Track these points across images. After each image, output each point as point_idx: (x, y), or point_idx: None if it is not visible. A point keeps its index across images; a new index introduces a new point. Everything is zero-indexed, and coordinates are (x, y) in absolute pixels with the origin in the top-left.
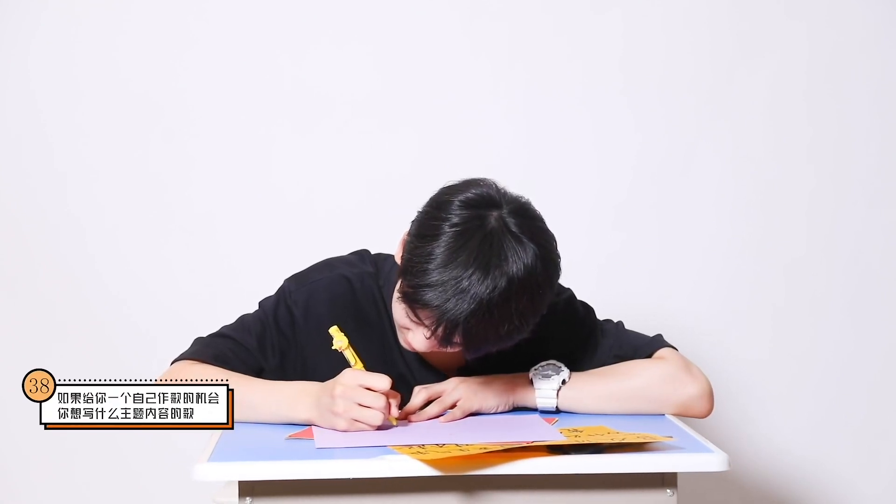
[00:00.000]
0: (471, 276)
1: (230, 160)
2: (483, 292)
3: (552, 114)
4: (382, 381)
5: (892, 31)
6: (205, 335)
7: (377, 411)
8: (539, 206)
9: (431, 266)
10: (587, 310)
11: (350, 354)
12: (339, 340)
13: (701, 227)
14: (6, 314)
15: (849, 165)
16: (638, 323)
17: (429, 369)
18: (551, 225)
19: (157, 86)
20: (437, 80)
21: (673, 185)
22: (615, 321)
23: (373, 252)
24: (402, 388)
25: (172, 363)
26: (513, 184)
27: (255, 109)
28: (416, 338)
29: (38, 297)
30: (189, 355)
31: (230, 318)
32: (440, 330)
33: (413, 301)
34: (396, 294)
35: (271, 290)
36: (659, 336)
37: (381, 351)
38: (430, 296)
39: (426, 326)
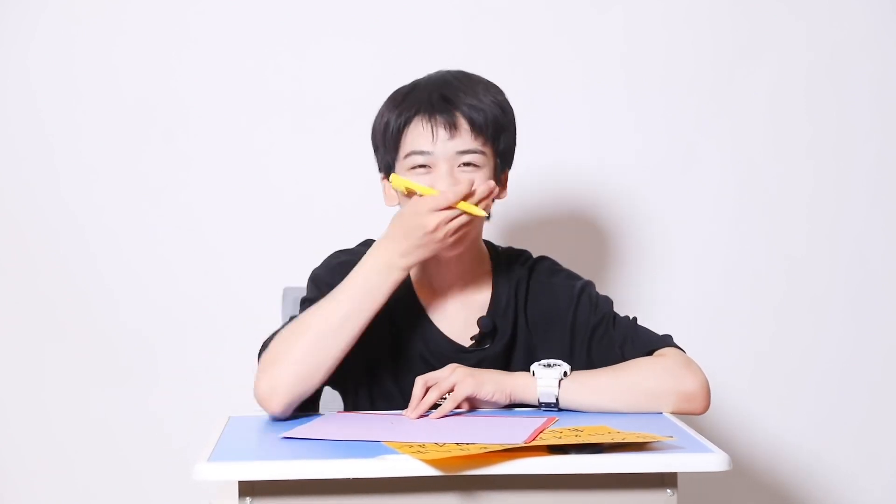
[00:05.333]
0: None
1: (230, 160)
2: (443, 72)
3: (552, 113)
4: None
5: (892, 30)
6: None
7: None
8: (538, 205)
9: (389, 99)
10: (604, 300)
11: (416, 186)
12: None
13: (701, 227)
14: (5, 314)
15: (849, 165)
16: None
17: (443, 341)
18: (551, 223)
19: (157, 86)
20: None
21: (673, 185)
22: (630, 317)
23: None
24: (421, 368)
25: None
26: (512, 183)
27: (254, 110)
28: (436, 176)
29: (37, 297)
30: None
31: (229, 318)
32: (435, 106)
33: (405, 124)
34: (403, 177)
35: (269, 287)
36: (668, 336)
37: (394, 333)
38: (411, 98)
39: (428, 132)
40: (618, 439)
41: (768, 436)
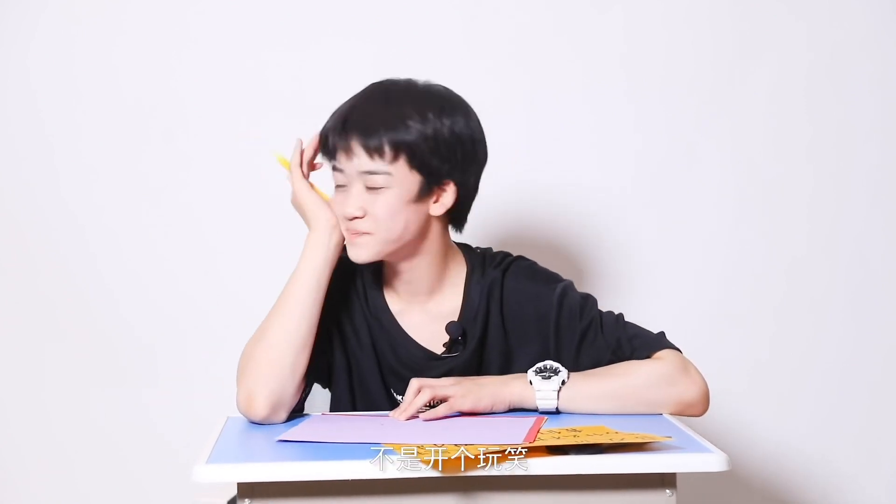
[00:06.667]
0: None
1: (230, 160)
2: (371, 87)
3: (553, 113)
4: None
5: (892, 30)
6: None
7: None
8: (539, 205)
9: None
10: (587, 300)
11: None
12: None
13: (701, 227)
14: (5, 314)
15: (849, 165)
16: (638, 323)
17: (414, 349)
18: (550, 223)
19: (157, 86)
20: (437, 80)
21: (673, 185)
22: (616, 313)
23: None
24: (396, 377)
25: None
26: (513, 183)
27: (254, 110)
28: (347, 194)
29: (37, 297)
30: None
31: (229, 318)
32: (336, 127)
33: (325, 139)
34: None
35: (269, 288)
36: (661, 334)
37: (372, 342)
38: (336, 113)
39: (335, 151)
40: (616, 440)
41: (768, 436)
